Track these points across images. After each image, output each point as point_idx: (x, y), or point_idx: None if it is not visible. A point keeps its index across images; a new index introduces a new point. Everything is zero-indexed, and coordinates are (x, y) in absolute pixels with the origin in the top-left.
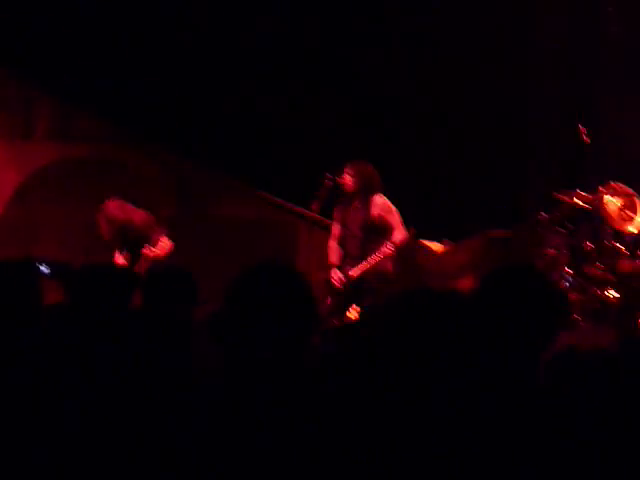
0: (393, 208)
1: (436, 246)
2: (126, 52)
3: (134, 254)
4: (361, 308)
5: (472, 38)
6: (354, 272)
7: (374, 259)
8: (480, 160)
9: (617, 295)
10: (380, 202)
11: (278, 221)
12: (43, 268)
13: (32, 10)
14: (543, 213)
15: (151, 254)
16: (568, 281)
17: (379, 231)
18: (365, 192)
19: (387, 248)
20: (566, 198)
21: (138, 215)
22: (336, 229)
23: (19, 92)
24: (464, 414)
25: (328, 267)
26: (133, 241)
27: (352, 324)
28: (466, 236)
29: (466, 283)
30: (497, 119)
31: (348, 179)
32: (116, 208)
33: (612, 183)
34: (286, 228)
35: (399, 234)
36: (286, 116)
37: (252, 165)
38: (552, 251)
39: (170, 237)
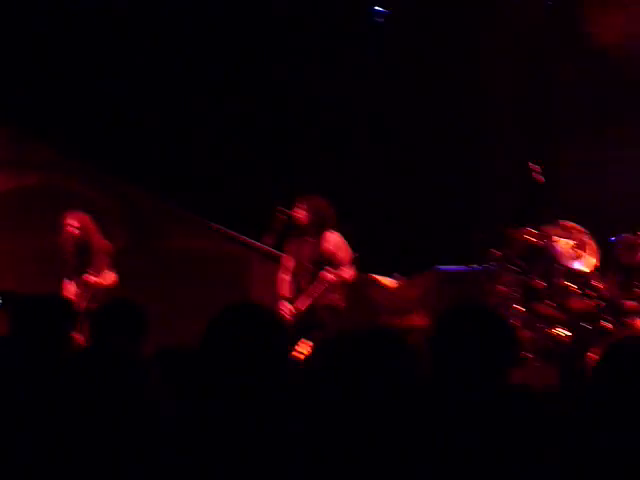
0: (344, 244)
1: (387, 280)
2: (80, 83)
3: (79, 274)
4: (311, 342)
5: (425, 79)
6: (300, 304)
7: (316, 288)
8: (433, 195)
9: (568, 333)
10: (332, 238)
11: (231, 253)
12: None
13: None
14: (495, 250)
15: (92, 281)
16: (519, 319)
17: (330, 266)
18: (317, 227)
19: (326, 274)
20: (518, 235)
21: (99, 237)
22: (288, 262)
23: None
24: (409, 454)
25: (279, 299)
26: (84, 260)
27: (302, 358)
28: (417, 271)
29: (417, 319)
30: (451, 155)
31: (301, 213)
32: (86, 221)
33: (563, 221)
34: (239, 260)
35: (348, 270)
36: (238, 148)
37: (205, 197)
38: (504, 288)
39: (119, 269)
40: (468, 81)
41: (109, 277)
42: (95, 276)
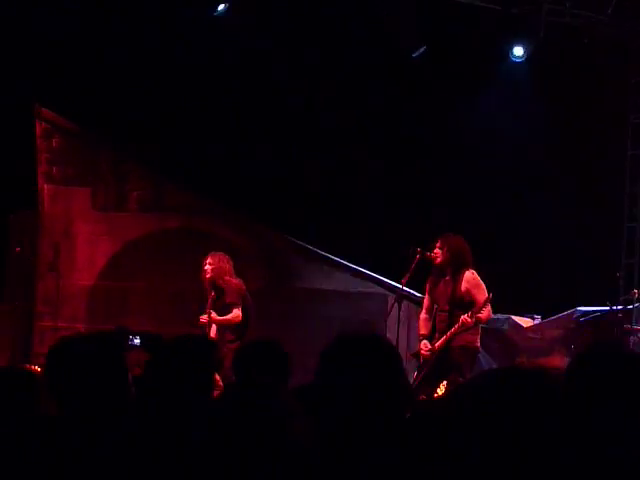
0: (482, 284)
1: (526, 322)
2: (214, 127)
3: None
4: (447, 384)
5: None
6: (437, 344)
7: (454, 330)
8: (572, 235)
9: None
10: (469, 277)
11: (368, 294)
12: (136, 340)
13: (128, 88)
14: (636, 290)
15: (217, 319)
16: None
17: (466, 306)
18: (455, 266)
19: (466, 319)
20: None
21: (230, 275)
22: (427, 301)
23: (113, 165)
24: None
25: (418, 339)
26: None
27: (439, 399)
28: (556, 312)
29: (557, 360)
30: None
31: (438, 252)
32: (220, 260)
33: None
34: (375, 301)
35: (484, 310)
36: (374, 189)
37: (341, 238)
38: None
39: (257, 308)
40: None
41: (234, 314)
42: (221, 314)
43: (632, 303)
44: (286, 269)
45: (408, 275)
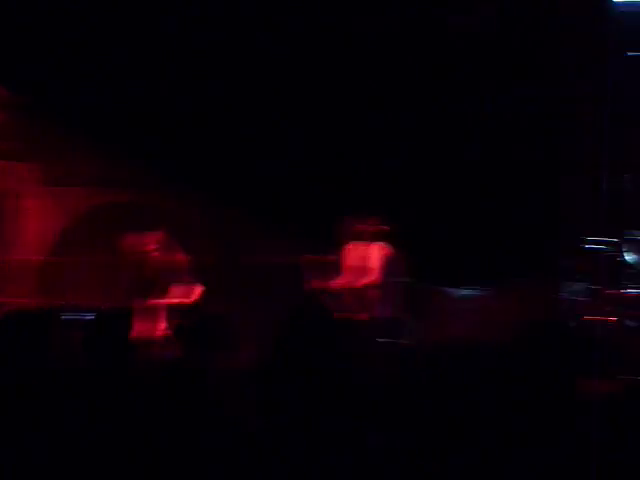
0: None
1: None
2: (168, 103)
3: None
4: None
5: None
6: None
7: None
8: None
9: None
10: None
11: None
12: (88, 316)
13: (77, 60)
14: (565, 260)
15: (176, 301)
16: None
17: None
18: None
19: None
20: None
21: (178, 253)
22: None
23: (62, 139)
24: None
25: None
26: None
27: None
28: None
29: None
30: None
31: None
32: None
33: None
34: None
35: None
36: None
37: (288, 210)
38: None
39: (206, 283)
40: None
41: (195, 292)
42: (178, 295)
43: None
44: (238, 243)
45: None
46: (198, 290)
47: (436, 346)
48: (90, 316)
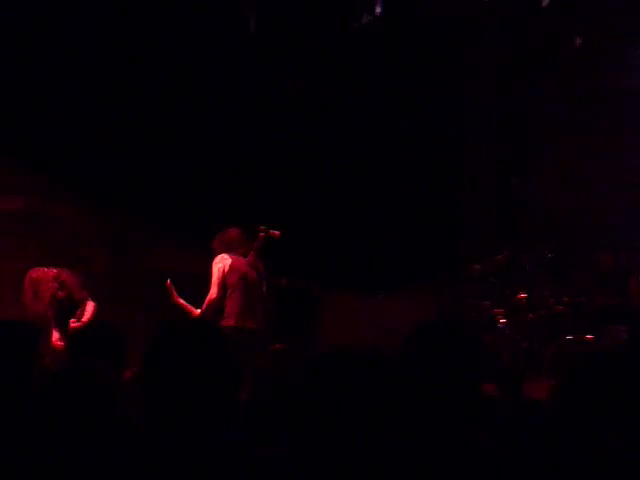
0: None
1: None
2: (61, 105)
3: (64, 323)
4: None
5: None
6: None
7: None
8: (411, 211)
9: None
10: None
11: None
12: None
13: None
14: (477, 265)
15: (78, 325)
16: (501, 331)
17: None
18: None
19: None
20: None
21: (68, 280)
22: None
23: None
24: None
25: None
26: (68, 312)
27: None
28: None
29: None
30: (432, 171)
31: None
32: (64, 277)
33: None
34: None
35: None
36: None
37: (187, 217)
38: (486, 303)
39: (99, 294)
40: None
41: (90, 310)
42: (78, 322)
43: (473, 278)
44: (132, 251)
45: (253, 253)
46: (91, 308)
47: (323, 352)
48: None
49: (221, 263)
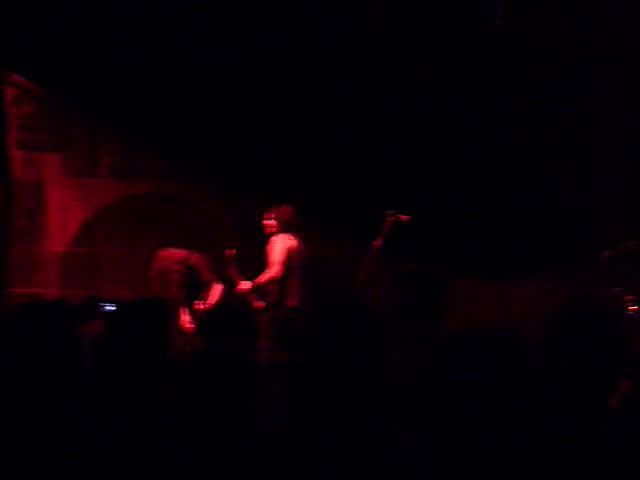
0: (275, 250)
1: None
2: (191, 91)
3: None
4: None
5: None
6: None
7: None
8: (539, 195)
9: None
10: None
11: (345, 259)
12: (108, 307)
13: (98, 52)
14: (607, 251)
15: (202, 307)
16: (631, 318)
17: None
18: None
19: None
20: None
21: (197, 262)
22: None
23: (84, 131)
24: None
25: None
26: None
27: None
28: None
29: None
30: (560, 154)
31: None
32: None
33: None
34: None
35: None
36: (347, 153)
37: (316, 202)
38: (617, 289)
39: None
40: None
41: (215, 293)
42: (203, 304)
43: (605, 264)
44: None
45: (382, 238)
46: (217, 291)
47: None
48: (110, 306)
49: (285, 243)
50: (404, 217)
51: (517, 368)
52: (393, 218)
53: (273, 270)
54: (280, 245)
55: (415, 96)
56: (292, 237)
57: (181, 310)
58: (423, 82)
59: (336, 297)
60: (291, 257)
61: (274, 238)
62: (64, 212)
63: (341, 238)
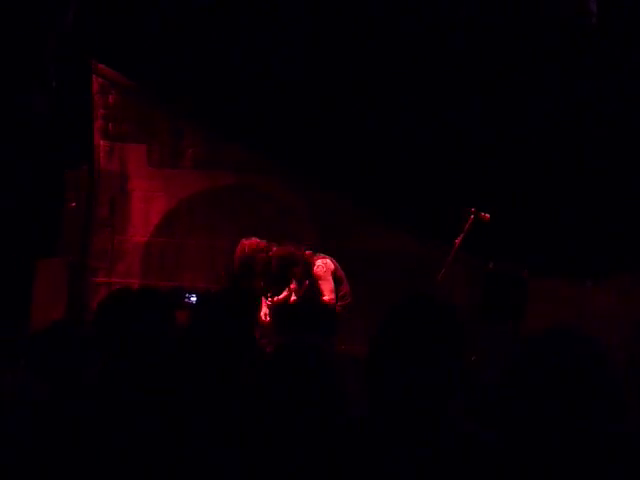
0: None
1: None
2: (275, 83)
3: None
4: None
5: None
6: None
7: None
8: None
9: None
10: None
11: (423, 255)
12: (192, 298)
13: (183, 45)
14: None
15: (275, 301)
16: None
17: None
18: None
19: None
20: None
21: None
22: None
23: (168, 122)
24: None
25: None
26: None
27: None
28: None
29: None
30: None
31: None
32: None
33: None
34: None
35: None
36: (430, 151)
37: (395, 197)
38: None
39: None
40: None
41: (291, 287)
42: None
43: None
44: (339, 229)
45: (462, 236)
46: (293, 285)
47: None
48: (193, 297)
49: (327, 267)
50: (485, 215)
51: (598, 370)
52: (474, 216)
53: (327, 298)
54: (325, 272)
55: (505, 93)
56: (324, 256)
57: (263, 302)
58: (517, 81)
59: (416, 294)
60: (336, 276)
61: (316, 270)
62: (147, 202)
63: (422, 235)
